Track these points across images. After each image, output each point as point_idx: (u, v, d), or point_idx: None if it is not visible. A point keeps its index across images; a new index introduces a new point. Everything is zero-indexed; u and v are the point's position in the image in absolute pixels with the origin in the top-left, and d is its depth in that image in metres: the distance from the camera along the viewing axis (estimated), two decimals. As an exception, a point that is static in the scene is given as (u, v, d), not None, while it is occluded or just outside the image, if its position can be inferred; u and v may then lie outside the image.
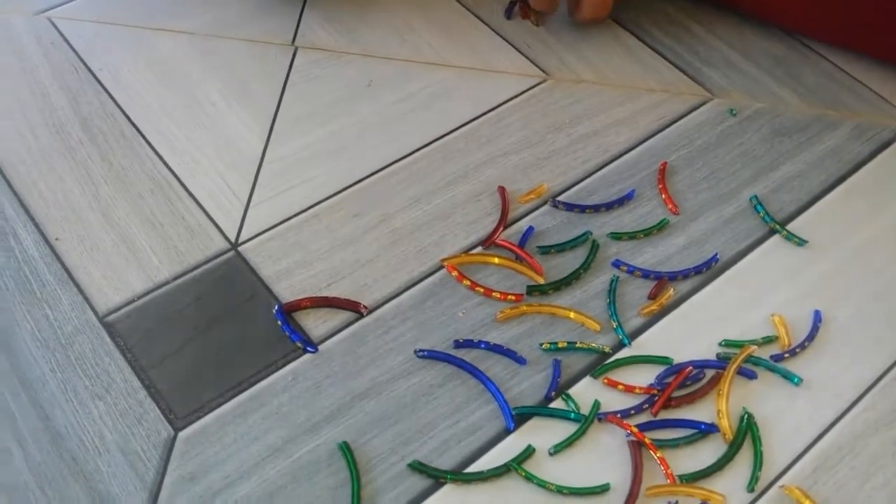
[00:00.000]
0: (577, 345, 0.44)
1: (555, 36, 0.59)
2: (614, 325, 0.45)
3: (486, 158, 0.52)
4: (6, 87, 0.53)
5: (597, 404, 0.42)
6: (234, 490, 0.39)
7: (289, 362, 0.43)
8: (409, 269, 0.47)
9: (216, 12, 0.58)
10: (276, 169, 0.51)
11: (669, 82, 0.57)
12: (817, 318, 0.46)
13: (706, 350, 0.45)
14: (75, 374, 0.42)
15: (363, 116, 0.54)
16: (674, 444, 0.41)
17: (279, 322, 0.44)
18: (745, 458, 0.41)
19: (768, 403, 0.43)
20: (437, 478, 0.40)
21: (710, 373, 0.44)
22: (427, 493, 0.40)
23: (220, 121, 0.53)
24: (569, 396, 0.42)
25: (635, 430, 0.41)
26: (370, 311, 0.45)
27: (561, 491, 0.39)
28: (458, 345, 0.44)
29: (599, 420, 0.42)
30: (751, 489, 0.40)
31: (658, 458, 0.40)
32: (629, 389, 0.43)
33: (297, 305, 0.45)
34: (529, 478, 0.40)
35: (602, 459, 0.41)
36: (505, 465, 0.40)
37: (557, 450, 0.41)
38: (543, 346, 0.44)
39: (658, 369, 0.44)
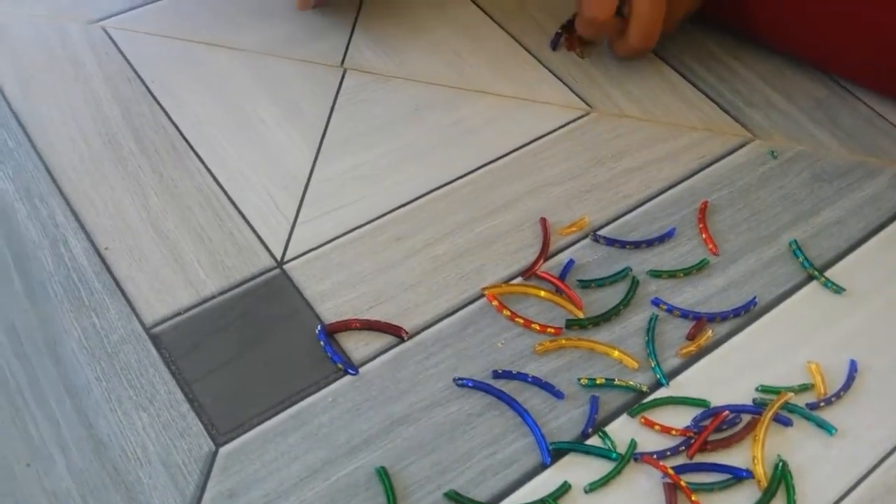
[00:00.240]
0: (616, 382, 0.44)
1: (600, 70, 0.59)
2: (652, 363, 0.45)
3: (528, 189, 0.52)
4: (60, 95, 0.54)
5: (633, 444, 0.42)
6: (273, 509, 0.40)
7: (330, 383, 0.44)
8: (450, 296, 0.47)
9: (268, 31, 0.59)
10: (322, 189, 0.51)
11: (712, 121, 0.57)
12: (853, 367, 0.46)
13: (742, 394, 0.45)
14: (120, 384, 0.43)
15: (409, 141, 0.54)
16: (708, 488, 0.41)
17: (321, 342, 0.45)
18: (778, 505, 0.41)
19: (803, 451, 0.43)
20: (474, 508, 0.40)
21: (746, 418, 0.44)
22: (463, 522, 0.40)
23: (270, 138, 0.53)
24: (605, 434, 0.43)
25: (671, 472, 0.41)
26: (411, 336, 0.46)
27: (596, 528, 0.40)
28: (497, 375, 0.45)
29: (636, 460, 0.42)
30: (784, 537, 0.40)
31: (693, 501, 0.41)
32: (666, 430, 0.43)
33: (340, 327, 0.46)
34: (565, 513, 0.40)
35: (637, 500, 0.41)
36: (541, 500, 0.40)
37: (593, 488, 0.41)
38: (581, 381, 0.45)
39: (695, 411, 0.44)
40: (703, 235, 0.51)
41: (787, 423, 0.44)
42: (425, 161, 0.53)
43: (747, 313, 0.48)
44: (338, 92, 0.56)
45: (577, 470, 0.42)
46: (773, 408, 0.44)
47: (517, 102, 0.57)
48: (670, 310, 0.48)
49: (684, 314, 0.47)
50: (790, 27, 0.59)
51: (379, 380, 0.44)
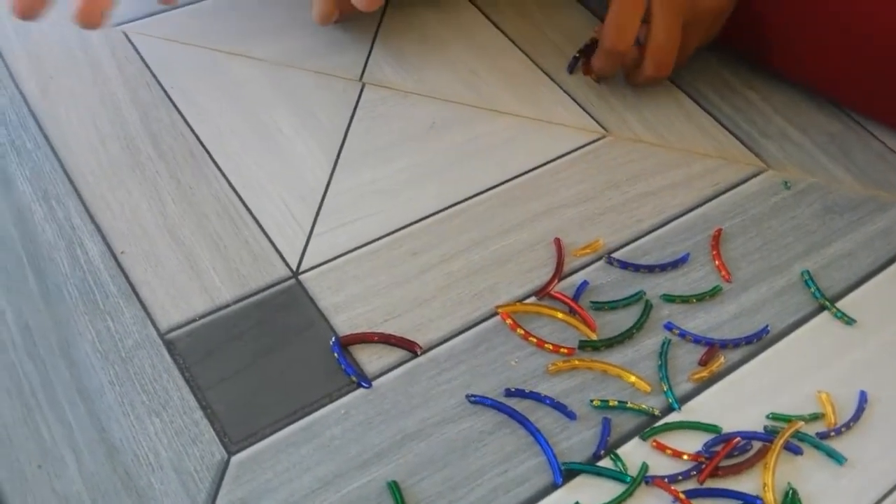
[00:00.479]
0: (628, 405, 0.45)
1: (616, 94, 0.60)
2: (665, 387, 0.46)
3: (543, 209, 0.53)
4: (80, 97, 0.54)
5: (645, 467, 0.43)
6: (283, 520, 0.40)
7: (342, 395, 0.44)
8: (463, 313, 0.47)
9: (289, 43, 0.59)
10: (339, 201, 0.51)
11: (726, 149, 0.58)
12: (863, 398, 0.46)
13: (753, 421, 0.45)
14: (133, 389, 0.43)
15: (425, 157, 0.54)
16: (719, 512, 0.42)
17: (335, 354, 0.45)
18: (789, 533, 0.41)
19: (812, 480, 0.43)
20: (485, 526, 0.40)
21: (757, 445, 0.44)
22: (474, 540, 0.40)
23: (288, 149, 0.53)
24: (617, 456, 0.43)
25: (682, 496, 0.41)
26: (424, 352, 0.46)
27: (607, 550, 0.40)
28: (510, 393, 0.45)
29: (647, 483, 0.42)
30: (794, 566, 0.40)
31: (704, 526, 0.41)
32: (677, 454, 0.43)
33: (354, 339, 0.46)
34: (576, 534, 0.40)
35: (648, 522, 0.41)
36: (552, 519, 0.40)
37: (604, 508, 0.41)
38: (594, 402, 0.45)
39: (706, 436, 0.44)
40: (717, 262, 0.51)
41: (797, 451, 0.44)
42: (441, 177, 0.54)
43: (759, 341, 0.48)
44: (356, 105, 0.56)
45: (588, 491, 0.42)
46: (784, 436, 0.44)
47: (533, 123, 0.57)
48: (683, 335, 0.48)
49: (697, 339, 0.48)
50: (805, 60, 0.59)
51: (392, 394, 0.44)
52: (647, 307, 0.49)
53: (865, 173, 0.58)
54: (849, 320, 0.49)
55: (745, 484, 0.43)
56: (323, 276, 0.48)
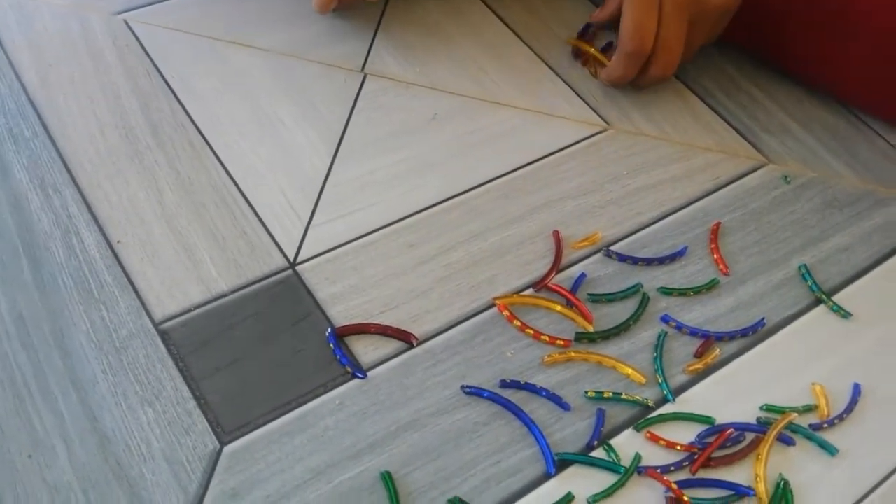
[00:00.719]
0: (623, 396, 0.45)
1: (618, 88, 0.59)
2: (659, 379, 0.45)
3: (543, 201, 0.53)
4: (79, 86, 0.54)
5: (638, 457, 0.42)
6: (276, 509, 0.40)
7: (337, 386, 0.44)
8: (461, 305, 0.47)
9: (290, 33, 0.59)
10: (338, 192, 0.51)
11: (727, 143, 0.57)
12: (857, 391, 0.46)
13: (747, 412, 0.45)
14: (127, 379, 0.43)
15: (426, 148, 0.54)
16: (711, 503, 0.42)
17: (331, 345, 0.45)
18: (782, 527, 0.41)
19: (805, 471, 0.43)
20: (478, 517, 0.40)
21: (749, 436, 0.44)
22: (466, 531, 0.40)
23: (288, 139, 0.53)
24: (610, 447, 0.43)
25: (675, 486, 0.41)
26: (420, 343, 0.46)
27: (599, 542, 0.40)
28: (505, 384, 0.45)
29: (639, 473, 0.42)
30: (786, 559, 0.40)
31: (697, 518, 0.41)
32: (670, 445, 0.43)
33: (350, 330, 0.46)
34: (568, 526, 0.40)
35: (641, 514, 0.41)
36: (545, 510, 0.40)
37: (596, 499, 0.41)
38: (588, 393, 0.45)
39: (699, 427, 0.44)
40: (715, 256, 0.51)
41: (790, 442, 0.44)
42: (441, 169, 0.53)
43: (755, 334, 0.48)
44: (357, 96, 0.56)
45: (581, 481, 0.42)
46: (777, 427, 0.44)
47: (535, 116, 0.57)
48: (679, 327, 0.48)
49: (693, 332, 0.48)
50: (807, 56, 0.59)
51: (387, 385, 0.44)
52: (644, 300, 0.48)
53: (865, 168, 0.57)
54: (845, 314, 0.49)
55: (737, 475, 0.43)
56: (320, 267, 0.48)
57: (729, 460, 0.43)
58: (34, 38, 0.57)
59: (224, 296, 0.46)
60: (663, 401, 0.45)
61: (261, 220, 0.49)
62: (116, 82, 0.55)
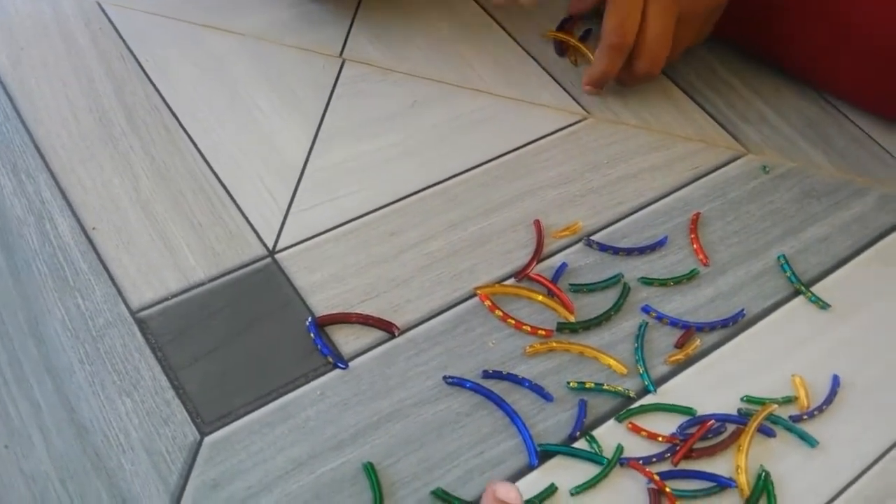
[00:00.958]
0: (604, 387, 0.45)
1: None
2: (641, 370, 0.46)
3: (523, 190, 0.52)
4: (52, 69, 0.53)
5: (620, 448, 0.43)
6: (256, 502, 0.39)
7: (318, 376, 0.43)
8: (442, 294, 0.47)
9: (268, 16, 0.58)
10: (317, 179, 0.51)
11: (706, 133, 0.58)
12: (836, 382, 0.47)
13: (727, 403, 0.45)
14: (104, 368, 0.42)
15: (405, 136, 0.54)
16: (692, 495, 0.42)
17: (311, 335, 0.44)
18: (761, 515, 0.42)
19: (785, 462, 0.44)
20: (460, 507, 0.40)
21: (730, 427, 0.44)
22: (449, 521, 0.40)
23: (265, 125, 0.53)
24: (593, 438, 0.43)
25: (657, 478, 0.41)
26: (402, 333, 0.45)
27: (581, 532, 0.40)
28: (487, 375, 0.44)
29: (622, 464, 0.42)
30: (766, 547, 0.41)
31: (678, 508, 0.41)
32: (652, 436, 0.43)
33: (331, 319, 0.45)
34: (551, 516, 0.40)
35: (622, 504, 0.41)
36: (527, 501, 0.40)
37: (579, 490, 0.41)
38: (571, 384, 0.45)
39: (681, 418, 0.44)
40: (695, 246, 0.51)
41: (770, 433, 0.44)
42: (421, 157, 0.53)
43: (735, 324, 0.48)
44: (336, 82, 0.55)
45: (563, 472, 0.42)
46: (757, 419, 0.44)
47: (515, 104, 0.57)
48: (660, 318, 0.48)
49: (673, 322, 0.48)
50: (787, 45, 0.59)
51: (368, 375, 0.44)
52: (625, 290, 0.49)
53: (843, 158, 0.58)
54: (823, 305, 0.50)
55: (718, 466, 0.43)
56: (300, 256, 0.47)
57: (710, 451, 0.43)
58: (5, 20, 0.55)
59: (202, 284, 0.45)
60: (644, 391, 0.45)
61: (238, 208, 0.49)
62: (90, 66, 0.53)
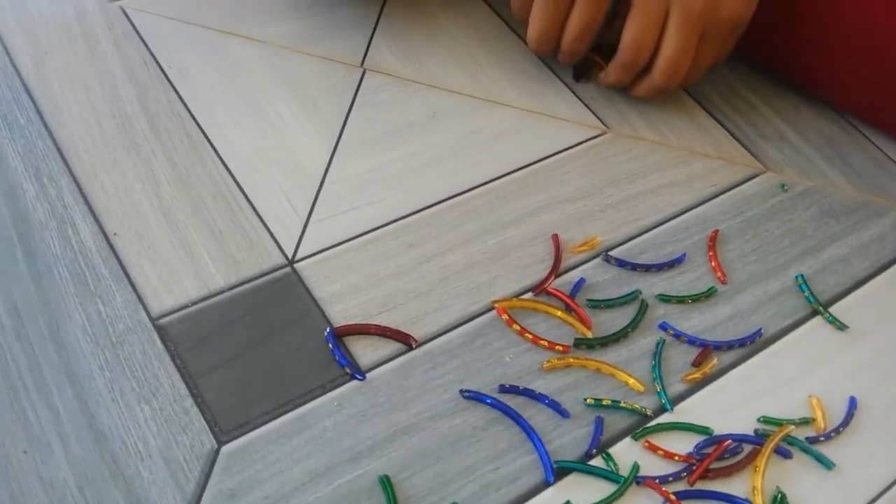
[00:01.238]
0: (621, 404, 0.45)
1: (618, 91, 0.59)
2: (658, 388, 0.46)
3: (542, 204, 0.52)
4: (75, 73, 0.53)
5: (636, 467, 0.43)
6: (273, 511, 0.39)
7: (336, 387, 0.43)
8: (460, 307, 0.47)
9: (290, 25, 0.58)
10: (337, 189, 0.51)
11: (725, 150, 0.58)
12: (853, 404, 0.47)
13: (744, 423, 0.45)
14: (123, 375, 0.42)
15: (425, 147, 0.54)
16: (708, 515, 0.42)
17: (330, 345, 0.44)
18: (777, 537, 0.42)
19: (801, 484, 0.43)
20: (476, 523, 0.40)
21: (747, 447, 0.44)
22: (465, 536, 0.40)
23: (286, 133, 0.53)
24: (609, 455, 0.43)
25: (673, 497, 0.41)
26: (419, 345, 0.45)
27: (597, 550, 0.40)
28: (504, 389, 0.44)
29: (637, 483, 0.42)
30: (781, 570, 0.41)
31: (694, 528, 0.41)
32: (668, 455, 0.43)
33: (349, 330, 0.45)
34: (567, 533, 0.40)
35: (639, 523, 0.41)
36: (544, 517, 0.40)
37: (595, 508, 0.41)
38: (587, 401, 0.45)
39: (697, 438, 0.44)
40: (713, 263, 0.51)
41: (786, 455, 0.44)
42: (441, 168, 0.53)
43: (752, 344, 0.48)
44: (356, 92, 0.56)
45: (579, 490, 0.42)
46: (774, 439, 0.44)
47: (534, 117, 0.57)
48: (678, 335, 0.48)
49: (691, 340, 0.48)
50: (807, 65, 0.59)
51: (386, 387, 0.44)
52: (643, 306, 0.49)
53: (862, 178, 0.58)
54: (841, 325, 0.50)
55: (734, 486, 0.43)
56: (319, 265, 0.47)
57: (727, 472, 0.43)
58: (29, 22, 0.55)
59: (222, 292, 0.46)
60: (661, 410, 0.45)
61: (259, 216, 0.49)
62: (113, 71, 0.54)
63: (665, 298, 0.49)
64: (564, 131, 0.57)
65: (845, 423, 0.46)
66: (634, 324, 0.48)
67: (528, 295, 0.48)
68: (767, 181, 0.56)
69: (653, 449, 0.43)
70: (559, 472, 0.42)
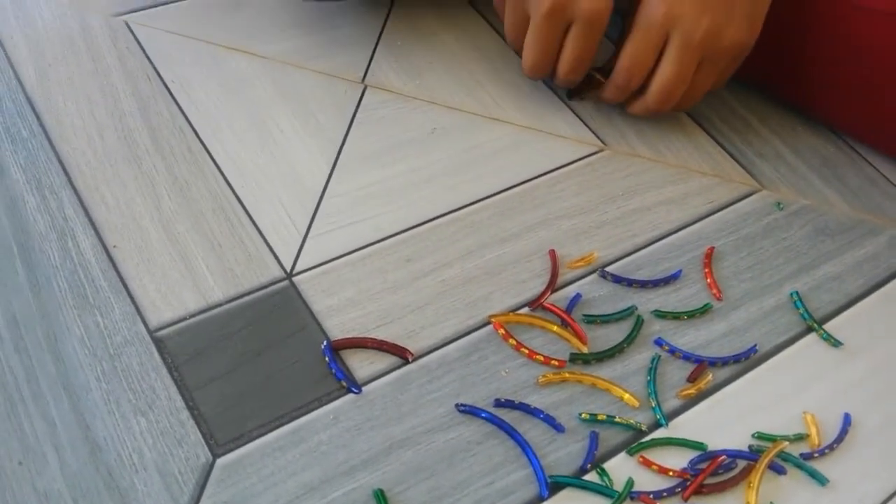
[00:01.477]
0: (616, 419, 0.45)
1: (615, 108, 0.60)
2: (653, 403, 0.46)
3: (539, 220, 0.53)
4: (78, 86, 0.54)
5: (630, 482, 0.43)
6: (268, 524, 0.39)
7: (332, 400, 0.44)
8: (456, 321, 0.47)
9: (292, 41, 0.59)
10: (336, 204, 0.51)
11: (721, 168, 0.58)
12: (847, 421, 0.47)
13: (739, 439, 0.45)
14: (120, 386, 0.42)
15: (424, 163, 0.54)
16: (702, 531, 0.42)
17: (326, 358, 0.45)
18: (770, 554, 0.42)
19: (795, 500, 0.43)
20: (470, 537, 0.40)
21: (741, 463, 0.44)
22: (459, 551, 0.40)
23: (287, 148, 0.53)
24: (603, 470, 0.43)
25: (667, 513, 0.42)
26: (416, 359, 0.46)
27: (590, 565, 0.40)
28: (499, 404, 0.45)
29: (632, 498, 0.42)
30: (774, 587, 0.41)
31: (688, 544, 0.41)
32: (663, 471, 0.43)
33: (346, 344, 0.45)
34: (560, 548, 0.40)
35: (633, 539, 0.41)
36: (538, 532, 0.40)
37: (589, 523, 0.41)
38: (583, 415, 0.45)
39: (692, 453, 0.44)
40: (708, 280, 0.51)
41: (781, 471, 0.44)
42: (439, 184, 0.54)
43: (747, 360, 0.49)
44: (357, 108, 0.56)
45: (573, 505, 0.42)
46: (768, 455, 0.44)
47: (533, 133, 0.58)
48: (672, 351, 0.48)
49: (686, 356, 0.48)
50: (802, 85, 0.60)
51: (381, 400, 0.44)
52: (639, 322, 0.49)
53: (857, 197, 0.58)
54: (835, 342, 0.50)
55: (728, 502, 0.43)
56: (317, 279, 0.48)
57: (721, 487, 0.43)
58: (33, 35, 0.56)
59: (220, 305, 0.46)
60: (656, 425, 0.45)
61: (258, 230, 0.49)
62: (116, 84, 0.54)
63: (661, 314, 0.50)
64: (562, 148, 0.57)
65: (839, 439, 0.46)
66: (630, 339, 0.48)
67: (525, 310, 0.49)
68: (763, 199, 0.57)
69: (647, 464, 0.44)
70: (553, 486, 0.42)
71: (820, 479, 0.44)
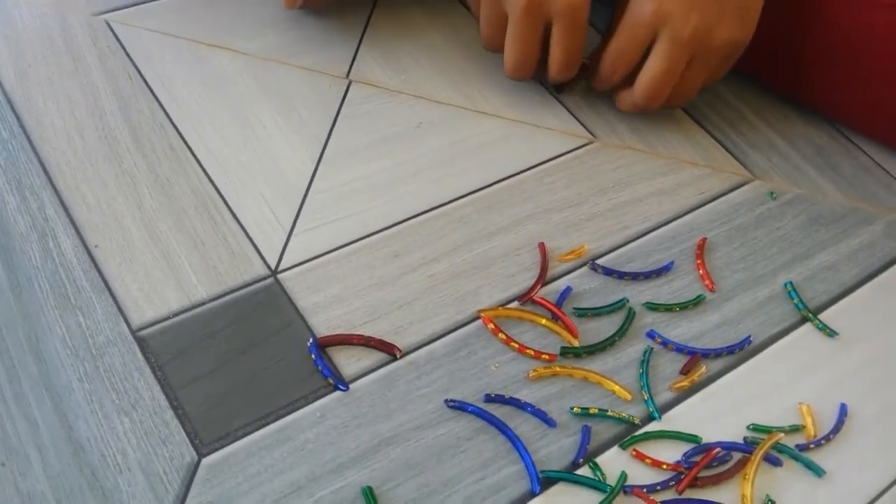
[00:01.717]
0: (608, 413, 0.44)
1: (605, 100, 0.59)
2: (645, 396, 0.45)
3: (528, 213, 0.52)
4: (58, 86, 0.53)
5: (623, 476, 0.42)
6: (254, 524, 0.39)
7: (318, 398, 0.43)
8: (445, 317, 0.47)
9: (275, 37, 0.58)
10: (321, 200, 0.50)
11: (713, 158, 0.57)
12: (843, 411, 0.46)
13: (733, 431, 0.45)
14: (103, 387, 0.42)
15: (411, 157, 0.54)
16: (697, 524, 0.41)
17: (312, 356, 0.44)
18: (767, 547, 0.41)
19: (791, 492, 0.43)
20: (460, 534, 0.39)
21: (736, 455, 0.44)
22: (449, 548, 0.39)
23: (270, 145, 0.53)
24: (596, 465, 0.42)
25: (661, 506, 0.41)
26: (404, 355, 0.45)
27: (583, 561, 0.39)
28: (489, 399, 0.44)
29: (625, 493, 0.42)
30: (771, 580, 0.40)
31: (683, 538, 0.40)
32: (656, 464, 0.43)
33: (332, 341, 0.45)
34: (552, 544, 0.39)
35: (626, 533, 0.40)
36: (529, 528, 0.40)
37: (581, 518, 0.40)
38: (574, 410, 0.44)
39: (686, 446, 0.44)
40: (701, 271, 0.51)
41: (776, 462, 0.44)
42: (426, 178, 0.53)
43: (741, 351, 0.48)
44: (342, 103, 0.56)
45: (566, 500, 0.41)
46: (763, 447, 0.43)
47: (521, 126, 0.57)
48: (665, 343, 0.47)
49: (679, 348, 0.47)
50: (795, 74, 0.59)
51: (369, 397, 0.43)
52: (630, 315, 0.48)
53: (851, 186, 0.58)
54: (830, 332, 0.49)
55: (723, 495, 0.42)
56: (302, 276, 0.47)
57: (715, 480, 0.42)
58: (12, 35, 0.55)
59: (203, 303, 0.45)
60: (649, 418, 0.45)
61: (242, 227, 0.49)
62: (96, 83, 0.54)
63: (652, 307, 0.49)
64: (551, 141, 0.57)
65: (836, 430, 0.45)
66: (621, 332, 0.47)
67: (514, 304, 0.48)
68: (755, 189, 0.56)
69: (640, 458, 0.43)
70: (545, 481, 0.41)
71: (816, 471, 0.44)
